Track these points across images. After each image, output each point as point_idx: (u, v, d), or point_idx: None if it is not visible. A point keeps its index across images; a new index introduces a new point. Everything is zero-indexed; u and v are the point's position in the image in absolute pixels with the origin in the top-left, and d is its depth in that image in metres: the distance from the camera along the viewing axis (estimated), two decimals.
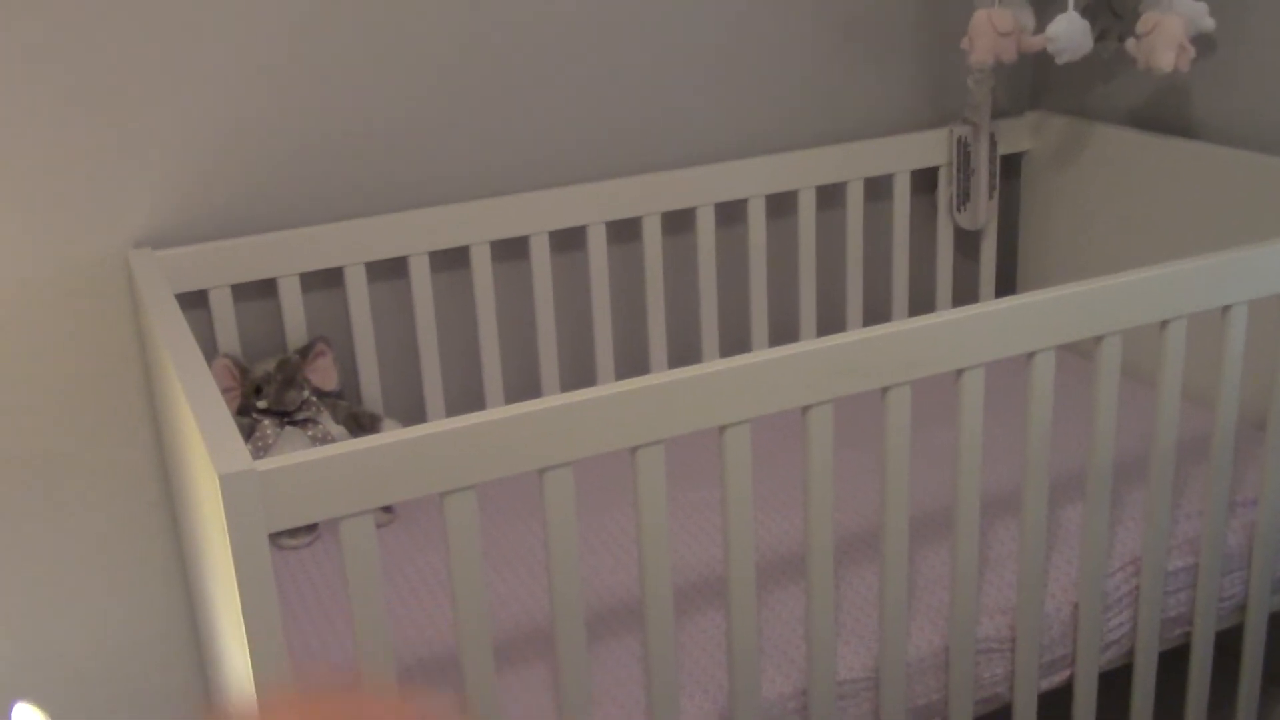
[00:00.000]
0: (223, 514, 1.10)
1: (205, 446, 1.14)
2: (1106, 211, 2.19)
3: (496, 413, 1.20)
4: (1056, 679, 1.64)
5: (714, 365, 1.28)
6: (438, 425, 1.18)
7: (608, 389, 1.24)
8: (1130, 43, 1.94)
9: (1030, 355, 1.45)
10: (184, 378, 1.31)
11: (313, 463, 1.13)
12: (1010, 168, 2.37)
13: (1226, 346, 1.58)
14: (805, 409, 1.34)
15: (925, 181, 2.32)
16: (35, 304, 1.75)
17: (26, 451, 1.80)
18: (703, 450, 2.02)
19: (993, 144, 2.25)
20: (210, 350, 1.83)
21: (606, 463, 1.96)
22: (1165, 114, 2.13)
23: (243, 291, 1.87)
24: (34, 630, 1.87)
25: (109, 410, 1.83)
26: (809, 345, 1.32)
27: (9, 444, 1.78)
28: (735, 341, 2.22)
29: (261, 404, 1.81)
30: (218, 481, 1.09)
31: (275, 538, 1.80)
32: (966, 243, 2.38)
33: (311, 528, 1.83)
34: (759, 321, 2.17)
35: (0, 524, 1.81)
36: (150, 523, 1.90)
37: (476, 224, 1.94)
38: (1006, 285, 2.44)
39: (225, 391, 1.81)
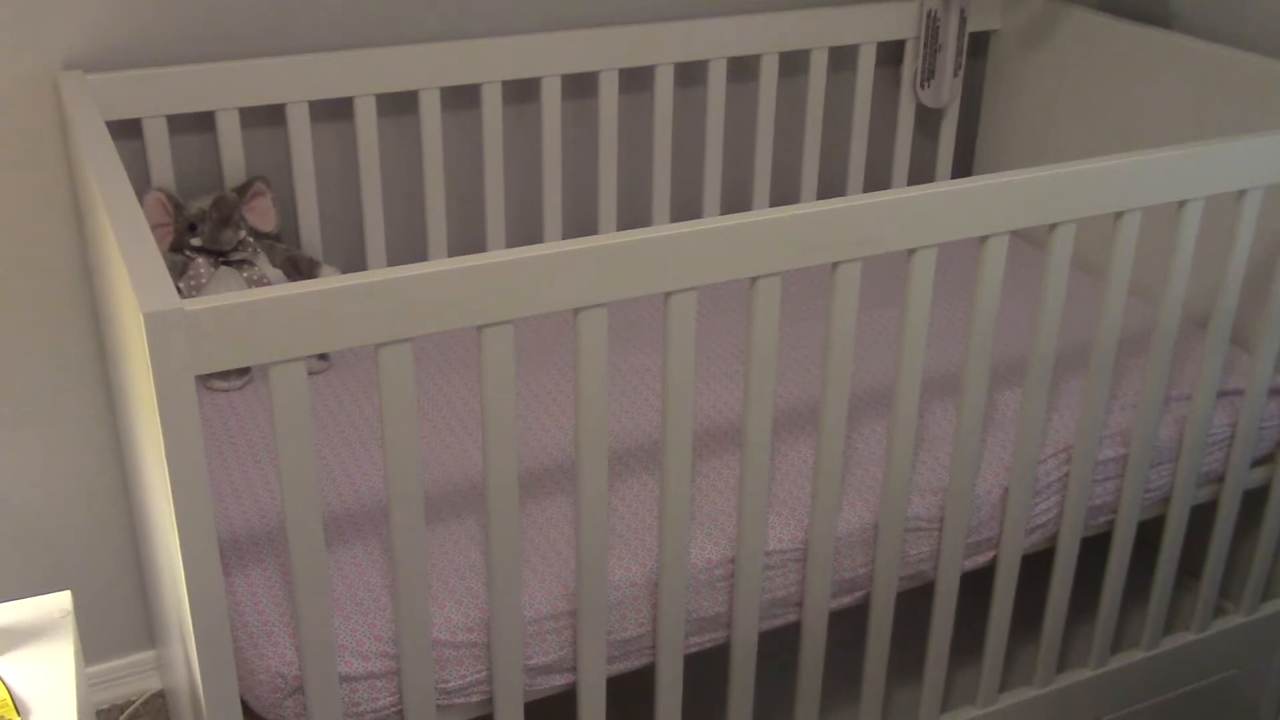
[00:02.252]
0: (147, 354, 1.06)
1: (131, 283, 1.10)
2: (1072, 98, 2.16)
3: (438, 265, 1.17)
4: (980, 559, 1.67)
5: (662, 230, 1.25)
6: (376, 274, 1.15)
7: (552, 247, 1.21)
8: None
9: (983, 239, 1.44)
10: (112, 210, 1.25)
11: (244, 305, 1.10)
12: (978, 47, 2.32)
13: (1177, 242, 1.58)
14: (753, 280, 1.32)
15: (891, 55, 2.27)
16: None
17: None
18: (647, 316, 2.00)
19: (962, 20, 2.19)
20: (143, 183, 1.76)
21: (551, 323, 1.94)
22: (1142, 1, 2.08)
23: (179, 123, 1.79)
24: None
25: (35, 244, 1.76)
26: (760, 215, 1.29)
27: None
28: (686, 206, 2.19)
29: (196, 241, 1.76)
30: (142, 320, 1.05)
31: (205, 379, 1.77)
32: (927, 121, 2.34)
33: (244, 370, 1.80)
34: (711, 188, 2.13)
35: None
36: (78, 363, 1.84)
37: (426, 68, 1.87)
38: (964, 167, 2.42)
39: (158, 227, 1.75)
